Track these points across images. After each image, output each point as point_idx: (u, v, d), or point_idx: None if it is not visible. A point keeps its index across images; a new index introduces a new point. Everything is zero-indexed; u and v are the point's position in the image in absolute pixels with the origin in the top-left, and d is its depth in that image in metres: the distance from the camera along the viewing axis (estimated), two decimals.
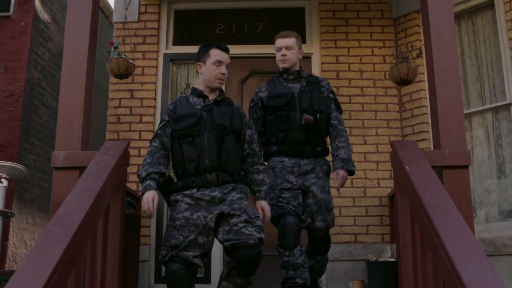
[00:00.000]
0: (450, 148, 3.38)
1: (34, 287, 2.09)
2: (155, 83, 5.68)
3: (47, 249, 2.33)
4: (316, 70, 5.76)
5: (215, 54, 3.34)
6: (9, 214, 3.17)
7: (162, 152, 3.22)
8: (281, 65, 3.87)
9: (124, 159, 3.33)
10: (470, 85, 5.35)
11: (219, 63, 3.34)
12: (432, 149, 3.61)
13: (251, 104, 3.93)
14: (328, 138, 3.92)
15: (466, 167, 3.35)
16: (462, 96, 3.57)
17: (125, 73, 4.73)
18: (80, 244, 2.54)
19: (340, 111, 3.93)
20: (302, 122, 3.68)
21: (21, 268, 2.23)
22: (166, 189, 3.25)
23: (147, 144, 5.46)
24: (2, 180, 3.15)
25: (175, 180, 3.28)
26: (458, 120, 3.46)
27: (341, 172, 3.77)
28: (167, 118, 3.29)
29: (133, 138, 5.48)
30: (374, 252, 5.19)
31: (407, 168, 3.09)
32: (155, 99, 5.65)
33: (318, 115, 3.74)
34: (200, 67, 3.39)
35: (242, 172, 3.32)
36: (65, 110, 3.48)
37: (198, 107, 3.29)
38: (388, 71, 5.29)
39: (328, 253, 4.09)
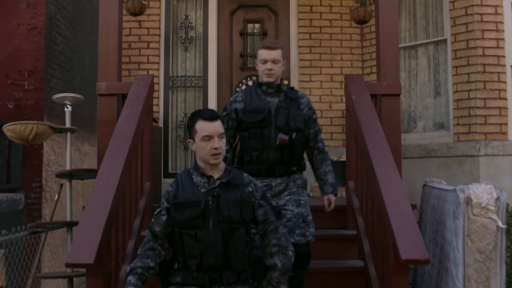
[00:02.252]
0: (387, 81, 4.68)
1: (114, 178, 3.42)
2: (158, 14, 6.79)
3: (115, 155, 3.65)
4: (292, 4, 6.88)
5: (201, 128, 2.85)
6: (75, 130, 4.40)
7: (151, 243, 2.87)
8: (265, 79, 3.60)
9: (151, 89, 4.59)
10: (418, 21, 6.55)
11: (208, 138, 2.83)
12: (377, 80, 4.85)
13: (224, 113, 3.68)
14: (305, 154, 3.78)
15: (398, 95, 4.68)
16: (399, 40, 4.83)
17: (139, 11, 5.86)
18: (132, 151, 3.86)
19: (320, 131, 3.84)
20: (277, 142, 3.51)
21: (102, 167, 3.55)
22: (164, 275, 2.95)
23: (154, 66, 6.67)
24: (68, 106, 4.34)
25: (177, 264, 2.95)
26: (394, 60, 4.75)
27: (332, 198, 3.71)
28: (165, 205, 2.86)
29: (142, 62, 6.66)
30: (337, 154, 6.56)
31: (353, 97, 4.40)
32: (159, 28, 6.77)
33: (294, 134, 3.55)
34: (191, 144, 2.94)
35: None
36: (103, 51, 4.68)
37: (203, 190, 2.84)
38: (352, 7, 6.49)
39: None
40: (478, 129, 5.75)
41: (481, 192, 2.88)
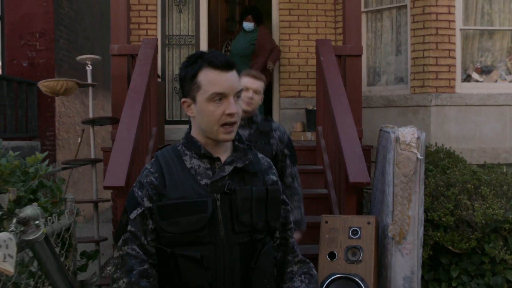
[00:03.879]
0: (351, 44, 5.68)
1: (134, 122, 4.43)
2: None
3: (132, 105, 4.65)
4: None
5: (209, 81, 1.81)
6: (96, 85, 5.36)
7: (145, 265, 1.82)
8: (243, 107, 3.10)
9: (155, 51, 5.55)
10: None
11: (219, 96, 1.80)
12: (342, 43, 5.83)
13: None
14: None
15: (360, 56, 5.70)
16: (361, 10, 5.81)
17: None
18: (146, 100, 4.86)
19: (295, 162, 3.66)
20: None
21: (123, 115, 4.54)
22: None
23: (152, 26, 7.56)
24: (89, 65, 5.28)
25: None
26: (357, 27, 5.74)
27: (296, 235, 3.25)
28: (146, 204, 1.82)
29: (141, 22, 7.56)
30: (311, 103, 7.59)
31: (322, 58, 5.41)
32: None
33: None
34: (187, 106, 1.89)
35: None
36: (115, 18, 5.62)
37: (204, 180, 1.84)
38: None
39: (280, 104, 6.54)
40: (431, 83, 6.79)
41: (407, 133, 3.93)
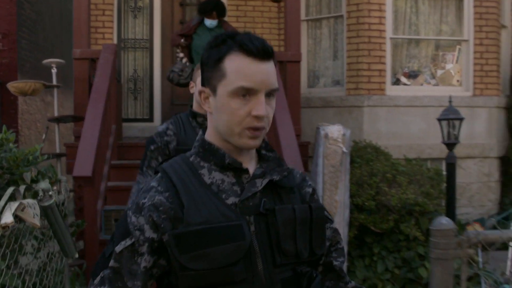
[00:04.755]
0: (292, 51, 6.38)
1: (98, 120, 4.99)
2: None
3: (96, 105, 5.20)
4: None
5: (239, 69, 1.40)
6: (60, 86, 5.87)
7: None
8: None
9: (115, 55, 6.11)
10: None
11: (248, 92, 1.40)
12: (284, 49, 6.51)
13: (151, 147, 2.94)
14: None
15: (299, 62, 6.40)
16: (300, 20, 6.51)
17: None
18: (107, 100, 5.43)
19: None
20: None
21: (88, 113, 5.09)
22: None
23: (109, 30, 8.08)
24: (54, 68, 5.79)
25: None
26: (297, 36, 6.44)
27: None
28: (148, 234, 1.38)
29: (98, 26, 8.07)
30: None
31: None
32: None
33: None
34: (204, 98, 1.50)
35: None
36: (77, 24, 6.15)
37: (231, 199, 1.41)
38: None
39: None
40: (364, 86, 7.55)
41: (334, 130, 4.65)
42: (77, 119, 5.72)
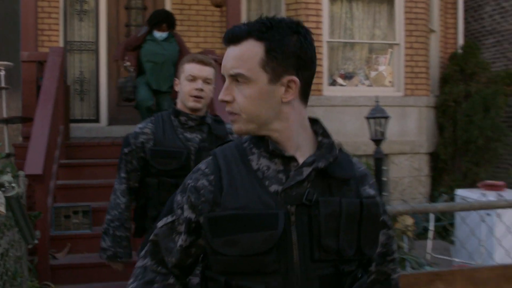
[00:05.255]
0: None
1: (47, 121, 5.20)
2: None
3: (45, 106, 5.41)
4: None
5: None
6: (8, 88, 6.02)
7: (170, 280, 1.51)
8: (190, 104, 2.69)
9: (62, 58, 6.32)
10: (264, 5, 8.62)
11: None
12: None
13: (125, 150, 2.75)
14: None
15: None
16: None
17: None
18: (55, 101, 5.64)
19: None
20: None
21: (37, 114, 5.30)
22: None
23: (55, 33, 8.23)
24: (2, 70, 5.94)
25: None
26: None
27: None
28: (186, 214, 1.44)
29: (44, 29, 8.22)
30: None
31: None
32: (58, 1, 8.31)
33: None
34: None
35: None
36: (25, 27, 6.33)
37: (274, 187, 1.38)
38: None
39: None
40: None
41: None
42: (25, 120, 5.91)
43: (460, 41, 9.77)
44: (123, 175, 2.78)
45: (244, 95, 1.39)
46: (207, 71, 2.69)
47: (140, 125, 2.79)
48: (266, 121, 1.40)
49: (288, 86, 1.39)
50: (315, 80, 5.99)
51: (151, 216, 2.71)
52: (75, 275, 4.98)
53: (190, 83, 2.67)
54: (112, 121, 8.32)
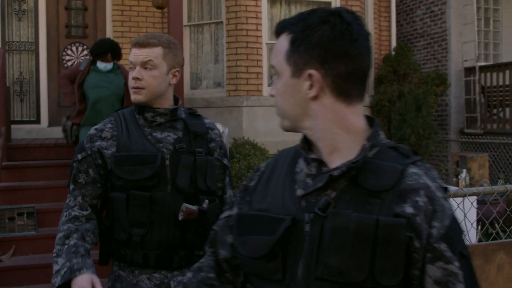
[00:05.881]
0: None
1: None
2: None
3: None
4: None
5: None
6: None
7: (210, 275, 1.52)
8: (132, 97, 2.21)
9: (3, 58, 6.28)
10: (204, 6, 8.76)
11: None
12: None
13: (79, 157, 2.21)
14: None
15: (182, 65, 6.86)
16: (183, 26, 6.98)
17: None
18: None
19: (231, 179, 2.43)
20: (180, 216, 2.12)
21: None
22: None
23: None
24: None
25: None
26: (179, 38, 6.90)
27: None
28: (234, 211, 1.48)
29: None
30: None
31: None
32: None
33: (206, 201, 2.17)
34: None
35: None
36: None
37: (299, 192, 1.32)
38: None
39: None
40: (242, 87, 8.17)
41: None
42: None
43: (393, 43, 10.19)
44: (75, 189, 2.18)
45: (275, 89, 1.36)
46: (145, 53, 2.17)
47: (96, 127, 2.23)
48: (295, 118, 1.33)
49: (311, 80, 1.28)
50: (255, 81, 6.15)
51: (120, 240, 2.18)
52: (21, 277, 5.01)
53: (131, 73, 2.20)
54: (53, 122, 8.28)
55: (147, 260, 2.16)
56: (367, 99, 9.13)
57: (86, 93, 5.78)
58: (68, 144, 5.95)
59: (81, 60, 6.11)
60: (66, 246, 2.07)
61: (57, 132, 7.99)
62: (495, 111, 9.84)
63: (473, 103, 9.87)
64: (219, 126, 5.24)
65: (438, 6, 10.43)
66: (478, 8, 10.49)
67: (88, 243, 2.15)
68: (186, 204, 2.11)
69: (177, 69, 2.27)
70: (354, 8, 8.71)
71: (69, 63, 8.40)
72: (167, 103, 2.27)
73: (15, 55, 8.28)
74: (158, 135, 2.23)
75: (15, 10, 8.31)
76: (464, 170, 6.97)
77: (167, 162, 2.17)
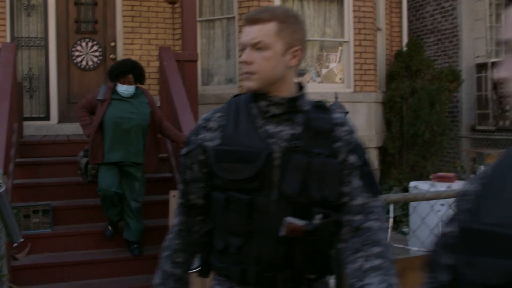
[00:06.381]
0: (188, 50, 6.73)
1: (4, 119, 5.08)
2: None
3: (1, 103, 5.28)
4: None
5: None
6: None
7: None
8: (244, 84, 1.84)
9: (15, 54, 6.17)
10: (216, 1, 8.65)
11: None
12: (181, 50, 6.86)
13: (183, 151, 1.91)
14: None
15: (196, 61, 6.77)
16: (196, 22, 6.88)
17: None
18: (10, 97, 5.51)
19: (374, 189, 1.83)
20: (282, 232, 1.70)
21: None
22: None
23: (1, 28, 8.00)
24: None
25: None
26: (194, 36, 6.81)
27: None
28: None
29: None
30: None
31: (164, 63, 6.40)
32: None
33: (318, 215, 1.72)
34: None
35: None
36: None
37: None
38: None
39: None
40: None
41: None
42: None
43: (405, 39, 10.09)
44: (180, 186, 1.96)
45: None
46: (255, 32, 1.77)
47: (205, 115, 1.91)
48: None
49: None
50: None
51: (217, 249, 1.84)
52: (37, 275, 4.91)
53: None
54: (62, 118, 8.18)
55: (245, 276, 1.77)
56: (379, 95, 9.03)
57: (106, 126, 5.07)
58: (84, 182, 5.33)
59: (99, 90, 5.28)
60: (160, 270, 2.00)
61: (67, 129, 7.91)
62: (507, 107, 9.73)
63: (485, 99, 9.76)
64: None
65: (449, 2, 10.32)
66: (490, 4, 10.38)
67: (179, 266, 1.98)
68: (289, 218, 1.69)
69: (297, 47, 1.80)
70: (366, 4, 8.62)
71: (79, 59, 8.29)
72: (287, 90, 1.82)
73: (24, 50, 8.17)
74: (271, 128, 1.79)
75: (24, 5, 8.19)
76: (482, 167, 6.86)
77: (277, 161, 1.74)
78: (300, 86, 1.88)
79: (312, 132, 1.77)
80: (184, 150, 1.90)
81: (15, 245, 2.71)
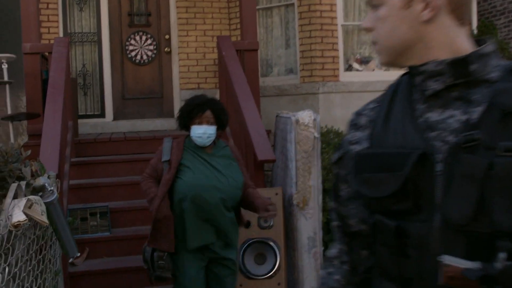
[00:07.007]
0: (248, 39, 6.31)
1: (58, 115, 4.78)
2: None
3: (54, 100, 4.99)
4: None
5: None
6: (12, 82, 5.59)
7: None
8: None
9: (68, 49, 5.88)
10: None
11: None
12: (241, 38, 6.45)
13: (334, 158, 1.36)
14: None
15: (256, 50, 6.34)
16: (256, 10, 6.44)
17: None
18: (64, 94, 5.21)
19: None
20: (440, 279, 1.03)
21: (47, 108, 4.88)
22: None
23: (54, 24, 7.77)
24: (5, 63, 5.49)
25: None
26: (253, 25, 6.38)
27: None
28: None
29: (43, 20, 7.76)
30: (210, 94, 8.16)
31: (223, 53, 5.99)
32: None
33: (502, 254, 0.99)
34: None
35: None
36: (25, 18, 5.88)
37: None
38: None
39: (181, 96, 7.00)
40: (318, 73, 7.58)
41: (305, 116, 4.63)
42: (31, 116, 5.48)
43: (474, 21, 9.39)
44: (333, 205, 1.38)
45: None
46: None
47: (356, 110, 1.40)
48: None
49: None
50: (331, 66, 5.42)
51: None
52: (96, 282, 4.58)
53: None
54: (118, 115, 7.89)
55: None
56: None
57: (174, 198, 3.55)
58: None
59: (161, 148, 3.71)
60: None
61: (122, 126, 7.62)
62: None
63: None
64: (309, 113, 4.69)
65: None
66: None
67: None
68: (448, 257, 1.04)
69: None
70: None
71: (133, 53, 7.99)
72: (440, 53, 1.15)
73: (78, 46, 7.92)
74: (434, 116, 1.14)
75: (76, 0, 7.93)
76: None
77: (439, 165, 1.08)
78: (482, 43, 1.17)
79: (499, 115, 1.05)
80: (335, 156, 1.34)
81: (70, 260, 2.34)
